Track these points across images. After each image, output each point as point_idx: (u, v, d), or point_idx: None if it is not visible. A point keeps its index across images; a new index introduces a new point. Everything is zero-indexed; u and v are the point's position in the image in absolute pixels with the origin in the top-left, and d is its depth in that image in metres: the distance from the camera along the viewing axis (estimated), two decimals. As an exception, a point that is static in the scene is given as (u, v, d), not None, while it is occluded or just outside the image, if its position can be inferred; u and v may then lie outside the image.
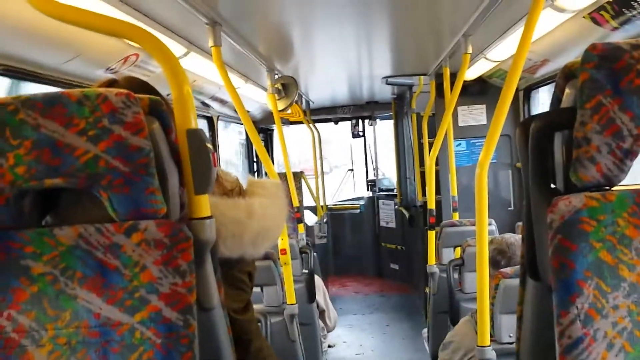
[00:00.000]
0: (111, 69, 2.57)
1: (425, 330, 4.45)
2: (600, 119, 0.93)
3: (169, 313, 0.97)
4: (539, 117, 1.01)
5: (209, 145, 1.07)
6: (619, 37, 2.54)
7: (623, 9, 2.29)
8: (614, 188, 0.97)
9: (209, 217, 1.07)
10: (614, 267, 0.92)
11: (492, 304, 2.22)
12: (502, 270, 2.24)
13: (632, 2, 2.21)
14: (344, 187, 9.69)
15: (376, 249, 8.39)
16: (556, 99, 1.04)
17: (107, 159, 0.96)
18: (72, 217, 1.04)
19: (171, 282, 0.97)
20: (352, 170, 9.54)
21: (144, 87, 1.30)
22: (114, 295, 0.97)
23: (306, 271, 3.72)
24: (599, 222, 0.92)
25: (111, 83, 1.28)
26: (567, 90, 1.01)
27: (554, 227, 0.93)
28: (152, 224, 0.98)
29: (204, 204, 1.07)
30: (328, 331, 4.25)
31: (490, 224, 3.84)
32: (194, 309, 0.98)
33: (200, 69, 3.43)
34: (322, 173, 7.38)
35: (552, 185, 1.02)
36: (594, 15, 2.52)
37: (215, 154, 4.81)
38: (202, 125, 4.83)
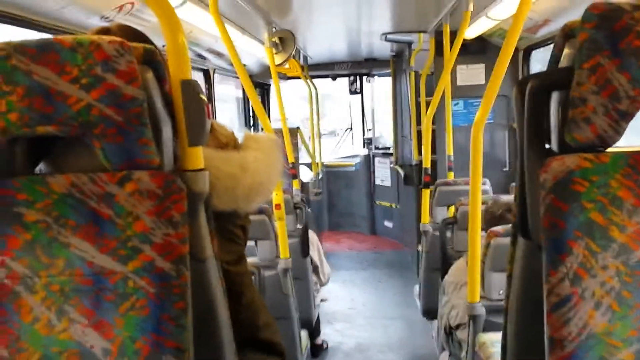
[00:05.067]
0: (106, 17, 2.53)
1: (417, 287, 4.51)
2: (597, 80, 0.92)
3: (161, 263, 0.98)
4: (536, 76, 1.01)
5: (204, 97, 1.06)
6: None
7: (628, -31, 2.26)
8: (608, 150, 0.97)
9: (203, 170, 1.07)
10: (605, 227, 0.92)
11: (483, 262, 2.25)
12: (493, 229, 2.27)
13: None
14: (342, 146, 9.68)
15: (371, 206, 8.43)
16: (554, 59, 1.04)
17: (100, 107, 0.95)
18: (65, 165, 1.04)
19: (164, 232, 0.98)
20: (351, 129, 9.51)
21: (138, 36, 1.28)
22: (107, 244, 0.98)
23: (300, 226, 3.75)
24: (592, 183, 0.93)
25: (105, 31, 1.26)
26: (565, 50, 1.00)
27: (547, 187, 0.93)
28: (145, 175, 0.98)
29: (198, 156, 1.07)
30: (321, 286, 4.29)
31: (484, 184, 3.85)
32: (187, 260, 0.99)
33: (197, 19, 3.37)
34: (319, 129, 7.36)
35: (547, 146, 1.02)
36: (598, -25, 2.47)
37: (210, 106, 4.78)
38: (198, 78, 4.78)
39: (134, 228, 0.98)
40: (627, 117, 0.93)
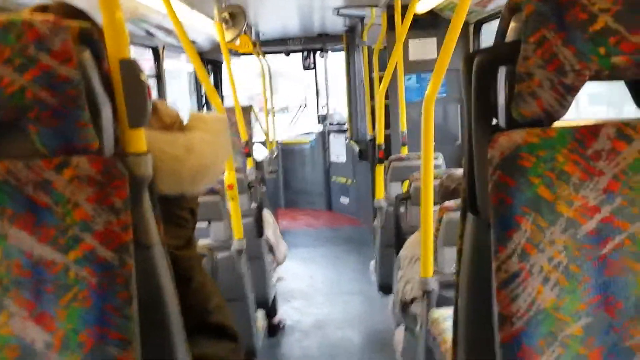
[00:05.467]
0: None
1: (373, 262, 4.55)
2: (543, 53, 0.91)
3: (103, 252, 0.94)
4: (483, 51, 0.99)
5: (144, 77, 1.01)
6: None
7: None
8: (555, 124, 0.97)
9: (145, 153, 1.03)
10: (552, 202, 0.93)
11: (435, 237, 2.26)
12: (445, 203, 2.28)
13: None
14: (297, 123, 9.64)
15: (327, 183, 8.45)
16: (501, 33, 1.02)
17: (34, 89, 0.90)
18: (1, 151, 0.99)
19: (105, 220, 0.94)
20: (305, 105, 9.47)
21: (78, 14, 1.22)
22: (46, 233, 0.94)
23: (255, 206, 3.72)
24: (538, 157, 0.93)
25: (43, 9, 1.20)
26: (512, 24, 0.99)
27: (494, 163, 0.93)
28: (83, 160, 0.94)
29: (140, 139, 1.03)
30: (278, 265, 4.29)
31: (437, 158, 3.89)
32: (131, 247, 0.96)
33: (143, -5, 3.28)
34: (272, 107, 7.30)
35: (494, 121, 1.01)
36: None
37: (157, 84, 4.68)
38: (147, 55, 4.66)
39: (74, 216, 0.94)
40: (573, 91, 0.93)
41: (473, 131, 1.01)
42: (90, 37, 0.97)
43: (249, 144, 4.79)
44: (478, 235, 1.04)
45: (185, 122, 1.34)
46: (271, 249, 4.08)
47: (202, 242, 2.99)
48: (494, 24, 4.41)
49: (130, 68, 1.00)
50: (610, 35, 0.90)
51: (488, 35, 4.62)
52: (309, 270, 5.95)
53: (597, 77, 0.93)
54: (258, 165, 5.77)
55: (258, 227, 3.66)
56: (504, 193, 0.92)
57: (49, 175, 0.94)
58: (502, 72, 0.98)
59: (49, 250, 0.94)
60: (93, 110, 0.95)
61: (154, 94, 4.69)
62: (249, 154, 4.74)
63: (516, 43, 0.94)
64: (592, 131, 0.93)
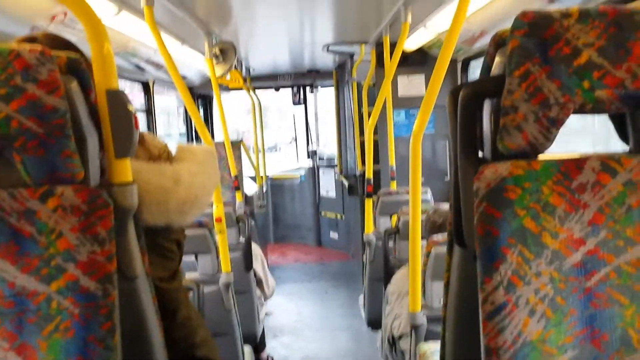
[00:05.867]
0: (37, 28, 2.44)
1: (362, 297, 4.52)
2: (527, 87, 0.93)
3: (87, 282, 0.93)
4: (468, 85, 1.01)
5: (131, 107, 1.02)
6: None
7: (558, -18, 2.33)
8: (540, 157, 0.98)
9: (131, 183, 1.02)
10: (538, 234, 0.93)
11: (424, 271, 2.25)
12: (433, 237, 2.28)
13: (566, -24, 2.24)
14: (287, 158, 9.67)
15: (316, 217, 8.43)
16: (486, 67, 1.04)
17: (20, 119, 0.90)
18: None
19: (89, 250, 0.93)
20: (295, 140, 9.51)
21: (66, 45, 1.23)
22: (29, 263, 0.93)
23: (243, 240, 3.70)
24: (524, 189, 0.93)
25: (31, 40, 1.20)
26: (497, 59, 1.01)
27: (480, 195, 0.93)
28: (68, 190, 0.93)
29: (126, 169, 1.03)
30: (266, 299, 4.24)
31: (425, 193, 3.90)
32: (114, 278, 0.95)
33: (135, 30, 3.30)
34: (263, 141, 7.32)
35: (480, 154, 1.02)
36: (530, -12, 2.55)
37: (148, 118, 4.69)
38: (138, 89, 4.68)
39: (58, 246, 0.93)
40: (557, 123, 0.94)
41: (459, 163, 1.01)
42: (78, 68, 0.97)
43: (238, 178, 4.79)
44: (465, 267, 1.04)
45: (173, 154, 1.34)
46: (259, 284, 4.04)
47: (189, 276, 2.96)
48: (481, 62, 4.48)
49: (118, 98, 1.00)
50: (594, 69, 0.92)
51: (475, 73, 4.69)
52: (297, 306, 5.89)
53: (581, 110, 0.94)
54: (247, 199, 5.77)
55: (246, 261, 3.64)
56: (490, 224, 0.92)
57: (33, 204, 0.93)
58: (487, 106, 0.99)
59: (32, 280, 0.93)
60: (79, 139, 0.95)
61: (144, 128, 4.70)
62: (238, 188, 4.73)
63: (501, 77, 0.96)
64: (577, 164, 0.94)
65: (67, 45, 1.23)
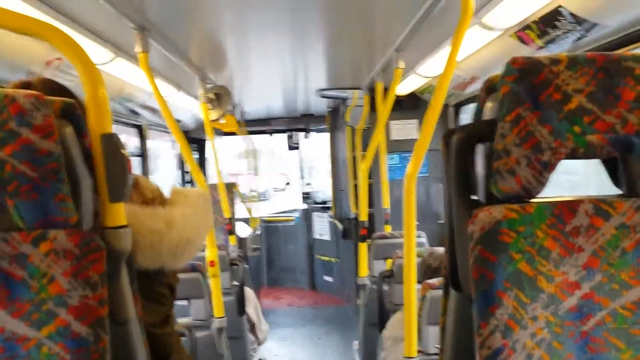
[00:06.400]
0: (33, 73, 2.46)
1: (357, 342, 4.45)
2: (519, 132, 0.94)
3: (78, 327, 0.92)
4: (461, 129, 1.02)
5: (125, 151, 1.02)
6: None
7: (548, 29, 2.38)
8: (533, 200, 0.98)
9: (124, 226, 1.02)
10: (533, 278, 0.93)
11: (419, 315, 2.23)
12: (428, 281, 2.27)
13: (555, 22, 2.28)
14: (282, 200, 9.68)
15: (310, 261, 8.38)
16: (478, 112, 1.05)
17: (13, 163, 0.90)
18: None
19: (81, 294, 0.92)
20: (289, 184, 9.54)
21: (61, 90, 1.24)
22: (20, 308, 0.92)
23: (236, 284, 3.67)
24: (518, 233, 0.93)
25: (25, 85, 1.21)
26: (488, 103, 1.02)
27: (475, 238, 0.93)
28: (61, 233, 0.93)
29: (119, 212, 1.02)
30: (259, 344, 4.18)
31: (420, 237, 3.89)
32: (106, 323, 0.93)
33: (130, 75, 3.34)
34: (256, 185, 7.33)
35: (474, 197, 1.02)
36: (520, 34, 2.60)
37: (141, 161, 4.69)
38: (132, 134, 4.70)
39: (49, 290, 0.92)
40: (550, 167, 0.95)
41: (453, 206, 1.02)
42: (73, 112, 0.98)
43: (231, 221, 4.77)
44: (461, 311, 1.03)
45: (166, 197, 1.34)
46: (253, 328, 3.99)
47: (182, 321, 2.92)
48: (472, 106, 4.54)
49: (112, 142, 1.01)
50: (584, 114, 0.93)
51: (468, 118, 4.74)
52: (291, 351, 5.80)
53: (573, 155, 0.95)
54: (241, 242, 5.73)
55: (239, 305, 3.60)
56: (485, 268, 0.92)
57: (26, 248, 0.92)
58: (480, 149, 1.00)
59: (22, 325, 0.91)
60: (73, 183, 0.95)
61: (139, 171, 4.70)
62: (231, 231, 4.71)
63: (493, 121, 0.97)
64: (570, 207, 0.94)
65: (61, 90, 1.25)
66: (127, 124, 4.50)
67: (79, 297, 0.92)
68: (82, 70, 1.01)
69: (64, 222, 0.94)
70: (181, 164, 6.55)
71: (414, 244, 2.10)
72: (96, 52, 2.74)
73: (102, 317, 0.93)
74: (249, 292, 4.02)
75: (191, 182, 6.59)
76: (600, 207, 0.94)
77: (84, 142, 0.99)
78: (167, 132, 5.52)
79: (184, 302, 3.03)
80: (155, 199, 1.29)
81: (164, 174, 6.71)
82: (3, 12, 1.03)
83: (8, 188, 0.91)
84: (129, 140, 4.68)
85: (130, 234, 1.03)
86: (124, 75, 3.30)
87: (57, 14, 2.24)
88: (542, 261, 0.93)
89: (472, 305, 0.94)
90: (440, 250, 2.72)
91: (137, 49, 2.44)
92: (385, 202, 4.49)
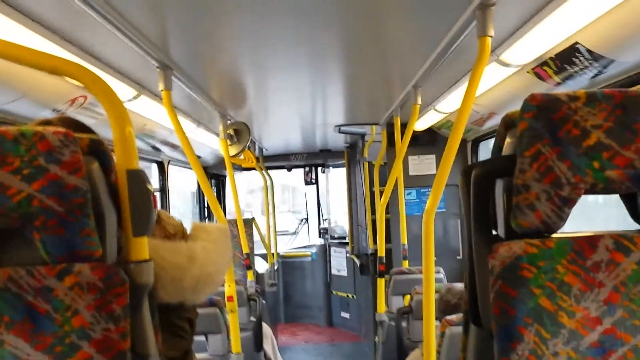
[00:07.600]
0: (58, 111, 2.52)
1: (375, 380, 4.39)
2: (539, 167, 0.94)
3: None
4: (480, 164, 1.03)
5: (150, 187, 1.04)
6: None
7: (565, 65, 2.39)
8: (554, 235, 0.98)
9: (147, 261, 1.03)
10: (554, 313, 0.92)
11: (438, 352, 2.21)
12: (448, 317, 2.25)
13: (573, 59, 2.30)
14: (299, 236, 9.66)
15: (327, 297, 8.33)
16: (497, 147, 1.06)
17: (41, 198, 0.92)
18: (5, 258, 0.99)
19: (104, 327, 0.93)
20: (307, 219, 9.54)
21: (80, 127, 1.26)
22: (43, 341, 0.93)
23: (254, 319, 3.65)
24: (539, 268, 0.93)
25: (46, 123, 1.24)
26: (507, 139, 1.03)
27: (495, 273, 0.93)
28: (86, 267, 0.94)
29: (143, 247, 1.04)
30: (276, 381, 4.15)
31: (438, 272, 3.87)
32: (128, 356, 0.94)
33: (152, 112, 3.40)
34: (275, 220, 7.34)
35: (494, 232, 1.03)
36: (538, 71, 2.61)
37: (161, 197, 4.74)
38: (153, 169, 4.76)
39: (73, 323, 0.93)
40: (570, 202, 0.95)
41: (473, 241, 1.02)
42: (99, 149, 1.01)
43: (249, 256, 4.78)
44: (481, 347, 1.03)
45: (188, 232, 1.36)
46: (269, 365, 3.96)
47: (200, 356, 2.91)
48: (491, 142, 4.53)
49: (137, 178, 1.03)
50: (603, 150, 0.94)
51: (485, 153, 4.74)
52: (308, 389, 5.73)
53: (592, 190, 0.95)
54: (259, 277, 5.72)
55: (257, 341, 3.58)
56: (506, 303, 0.92)
57: (51, 282, 0.94)
58: (499, 185, 1.00)
59: (45, 358, 0.92)
60: (98, 218, 0.97)
61: (159, 206, 4.74)
62: (249, 266, 4.71)
63: (512, 157, 0.98)
64: (590, 242, 0.94)
65: (80, 126, 1.27)
66: (149, 160, 4.56)
67: (101, 331, 0.93)
68: (109, 108, 1.04)
69: (88, 256, 0.95)
70: (199, 199, 6.60)
71: (432, 279, 2.09)
72: (120, 89, 2.80)
73: (124, 350, 0.94)
74: (265, 328, 4.00)
75: (209, 217, 6.62)
76: (620, 242, 0.94)
77: (110, 178, 1.01)
78: (187, 167, 5.58)
79: (201, 338, 3.02)
80: (177, 233, 1.31)
81: (177, 208, 6.75)
82: (34, 52, 1.07)
83: (35, 222, 0.93)
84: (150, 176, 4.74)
85: (152, 268, 1.04)
86: (146, 112, 3.36)
87: (84, 53, 2.30)
88: (563, 296, 0.93)
89: (493, 341, 0.93)
90: (459, 286, 2.70)
91: (160, 86, 2.50)
92: (403, 238, 4.48)
